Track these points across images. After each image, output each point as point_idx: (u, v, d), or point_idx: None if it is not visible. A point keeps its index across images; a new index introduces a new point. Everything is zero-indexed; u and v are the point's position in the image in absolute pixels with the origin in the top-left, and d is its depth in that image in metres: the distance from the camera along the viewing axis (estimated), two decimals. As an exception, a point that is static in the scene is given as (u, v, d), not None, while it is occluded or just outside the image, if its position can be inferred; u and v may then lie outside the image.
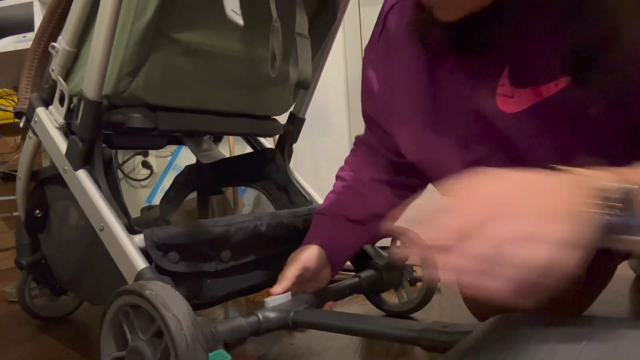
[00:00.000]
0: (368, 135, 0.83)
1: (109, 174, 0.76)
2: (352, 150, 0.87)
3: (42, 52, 0.91)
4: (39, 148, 0.91)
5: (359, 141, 0.87)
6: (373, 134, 0.82)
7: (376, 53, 0.74)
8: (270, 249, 0.82)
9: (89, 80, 0.71)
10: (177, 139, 1.09)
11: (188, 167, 1.18)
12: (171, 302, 0.51)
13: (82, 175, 0.75)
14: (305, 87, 0.78)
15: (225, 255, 0.75)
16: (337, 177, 0.86)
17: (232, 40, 0.82)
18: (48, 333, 1.04)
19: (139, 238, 0.70)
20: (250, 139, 1.11)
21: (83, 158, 0.75)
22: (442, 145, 0.66)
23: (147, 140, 1.01)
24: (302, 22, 0.79)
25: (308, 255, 0.74)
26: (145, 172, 1.55)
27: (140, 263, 0.67)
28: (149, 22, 0.71)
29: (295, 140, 1.05)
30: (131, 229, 0.72)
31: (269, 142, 1.12)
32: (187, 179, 1.18)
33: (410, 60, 0.68)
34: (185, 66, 0.79)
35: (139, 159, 1.54)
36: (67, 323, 1.11)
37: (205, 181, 1.13)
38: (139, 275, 0.66)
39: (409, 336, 0.60)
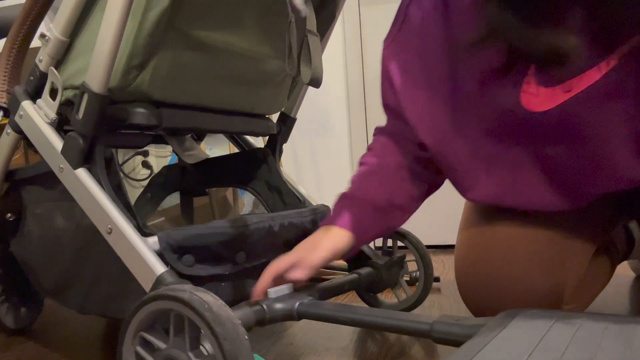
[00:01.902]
0: (390, 124, 0.82)
1: (110, 173, 0.72)
2: (375, 138, 0.86)
3: (22, 41, 0.84)
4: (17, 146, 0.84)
5: (380, 130, 0.86)
6: (393, 125, 0.81)
7: (397, 43, 0.74)
8: (282, 250, 0.80)
9: (95, 72, 0.67)
10: (160, 138, 1.04)
11: (168, 168, 1.13)
12: (233, 329, 0.48)
13: (83, 174, 0.70)
14: (317, 85, 0.76)
15: (240, 257, 0.73)
16: (361, 163, 0.84)
17: (238, 36, 0.80)
18: (25, 342, 0.98)
19: (153, 240, 0.66)
20: (238, 139, 1.08)
21: (83, 156, 0.70)
22: (459, 140, 0.68)
23: (131, 138, 0.96)
24: (312, 20, 0.78)
25: (339, 239, 0.74)
26: (145, 172, 1.49)
27: (159, 267, 0.63)
28: (163, 12, 0.67)
29: (285, 140, 1.04)
30: (141, 231, 0.68)
31: (257, 142, 1.10)
32: (165, 180, 1.13)
33: (432, 52, 0.68)
34: (191, 61, 0.76)
35: (139, 159, 1.47)
36: (34, 334, 1.03)
37: (189, 182, 1.09)
38: (159, 280, 0.62)
39: (420, 329, 0.60)
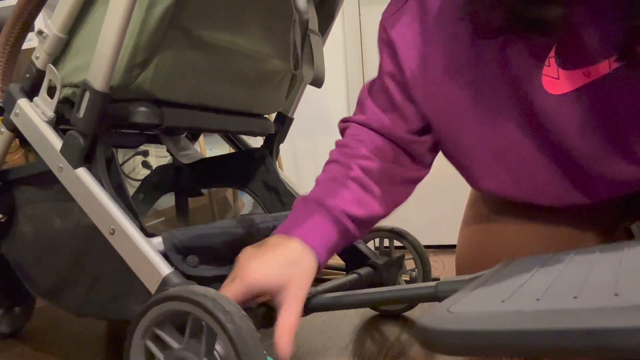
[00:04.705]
0: (370, 111, 0.72)
1: (111, 172, 0.70)
2: (348, 133, 0.74)
3: (15, 39, 0.82)
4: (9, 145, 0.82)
5: (356, 122, 0.74)
6: (380, 103, 0.72)
7: (403, 14, 0.70)
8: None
9: (97, 69, 0.65)
10: (154, 138, 1.03)
11: (161, 167, 1.11)
12: (254, 345, 0.47)
13: (83, 174, 0.68)
14: (319, 85, 0.76)
15: (244, 258, 0.72)
16: (335, 162, 0.71)
17: (240, 35, 0.79)
18: (21, 344, 0.96)
19: (157, 241, 0.65)
20: (234, 138, 1.07)
21: (83, 155, 0.69)
22: (472, 124, 0.66)
23: (127, 137, 0.95)
24: (314, 19, 0.78)
25: (313, 265, 0.62)
26: (145, 172, 1.47)
27: (165, 268, 0.62)
28: (167, 10, 0.66)
29: (282, 140, 1.03)
30: (144, 232, 0.66)
31: (253, 142, 1.09)
32: (159, 180, 1.11)
33: (452, 33, 0.65)
34: (193, 60, 0.75)
35: (139, 159, 1.45)
36: (30, 336, 1.01)
37: (184, 182, 1.08)
38: (165, 281, 0.61)
39: (426, 293, 0.57)
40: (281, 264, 0.58)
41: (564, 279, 0.39)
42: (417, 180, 0.75)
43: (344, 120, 0.76)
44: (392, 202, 0.72)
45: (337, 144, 0.74)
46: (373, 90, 0.74)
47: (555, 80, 0.59)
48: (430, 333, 0.33)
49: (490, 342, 0.31)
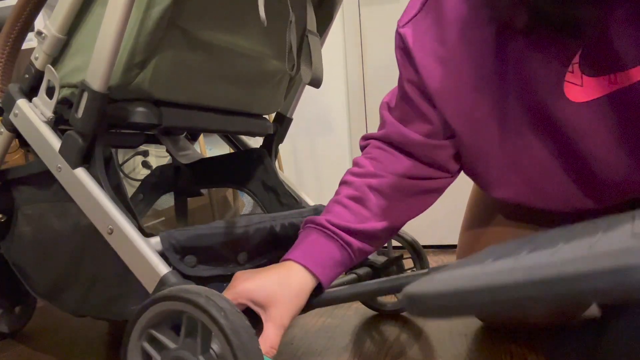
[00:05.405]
0: (390, 125, 0.72)
1: (109, 173, 0.70)
2: (365, 152, 0.75)
3: (15, 39, 0.82)
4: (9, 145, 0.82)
5: (374, 140, 0.75)
6: (400, 114, 0.72)
7: (419, 21, 0.68)
8: (283, 250, 0.80)
9: (96, 70, 0.65)
10: (154, 138, 1.03)
11: (161, 168, 1.11)
12: (248, 339, 0.47)
13: (82, 174, 0.68)
14: (317, 85, 0.76)
15: (242, 258, 0.72)
16: (344, 182, 0.73)
17: (240, 36, 0.79)
18: (18, 345, 0.95)
19: (155, 241, 0.65)
20: (232, 139, 1.07)
21: (82, 155, 0.69)
22: (492, 130, 0.64)
23: (126, 137, 0.95)
24: (312, 20, 0.78)
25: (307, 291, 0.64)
26: (145, 172, 1.48)
27: (163, 268, 0.62)
28: (165, 10, 0.66)
29: (281, 140, 1.03)
30: (143, 232, 0.66)
31: (252, 142, 1.09)
32: (159, 180, 1.11)
33: (473, 39, 0.63)
34: (192, 60, 0.75)
35: (139, 159, 1.46)
36: (27, 338, 1.01)
37: (183, 182, 1.08)
38: (163, 281, 0.61)
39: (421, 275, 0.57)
40: (272, 281, 0.61)
41: (548, 242, 0.39)
42: (441, 189, 0.74)
43: (365, 138, 0.77)
44: (406, 213, 0.72)
45: (353, 162, 0.76)
46: (392, 103, 0.74)
47: (578, 87, 0.58)
48: (412, 298, 0.33)
49: (467, 300, 0.31)
